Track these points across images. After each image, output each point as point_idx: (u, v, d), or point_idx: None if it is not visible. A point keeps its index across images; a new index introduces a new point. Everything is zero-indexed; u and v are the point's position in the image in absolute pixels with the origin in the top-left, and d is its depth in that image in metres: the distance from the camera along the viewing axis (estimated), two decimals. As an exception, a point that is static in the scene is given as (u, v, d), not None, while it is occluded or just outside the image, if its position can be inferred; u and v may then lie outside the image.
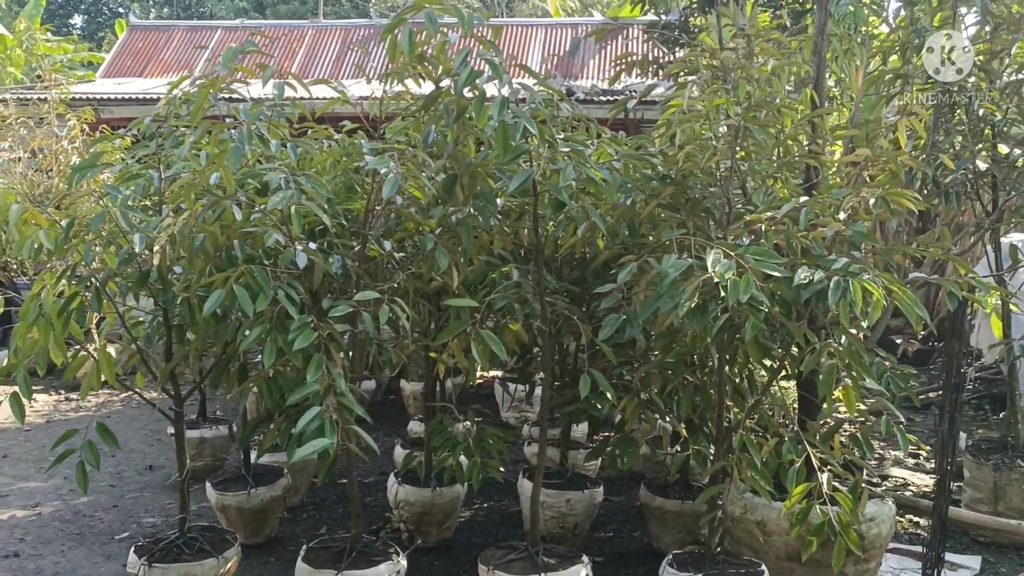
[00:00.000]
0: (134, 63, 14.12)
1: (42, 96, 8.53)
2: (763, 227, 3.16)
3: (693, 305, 2.78)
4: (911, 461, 6.04)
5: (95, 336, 7.11)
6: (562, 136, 3.45)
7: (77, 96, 9.47)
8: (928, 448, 3.72)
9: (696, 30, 8.44)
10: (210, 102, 3.29)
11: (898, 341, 8.99)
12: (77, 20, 30.02)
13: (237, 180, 3.18)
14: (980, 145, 4.34)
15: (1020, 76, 4.31)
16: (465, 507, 4.74)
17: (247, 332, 3.02)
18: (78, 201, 4.44)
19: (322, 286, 3.32)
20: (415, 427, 5.72)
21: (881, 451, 6.13)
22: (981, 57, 4.12)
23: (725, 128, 3.52)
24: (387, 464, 5.37)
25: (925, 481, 5.59)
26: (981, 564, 4.30)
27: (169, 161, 3.44)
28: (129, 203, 3.34)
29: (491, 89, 3.12)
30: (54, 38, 15.87)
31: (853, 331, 3.40)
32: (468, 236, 3.27)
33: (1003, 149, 4.63)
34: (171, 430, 5.38)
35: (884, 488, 4.97)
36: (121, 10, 27.34)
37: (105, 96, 10.31)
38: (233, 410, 6.63)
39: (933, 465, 5.88)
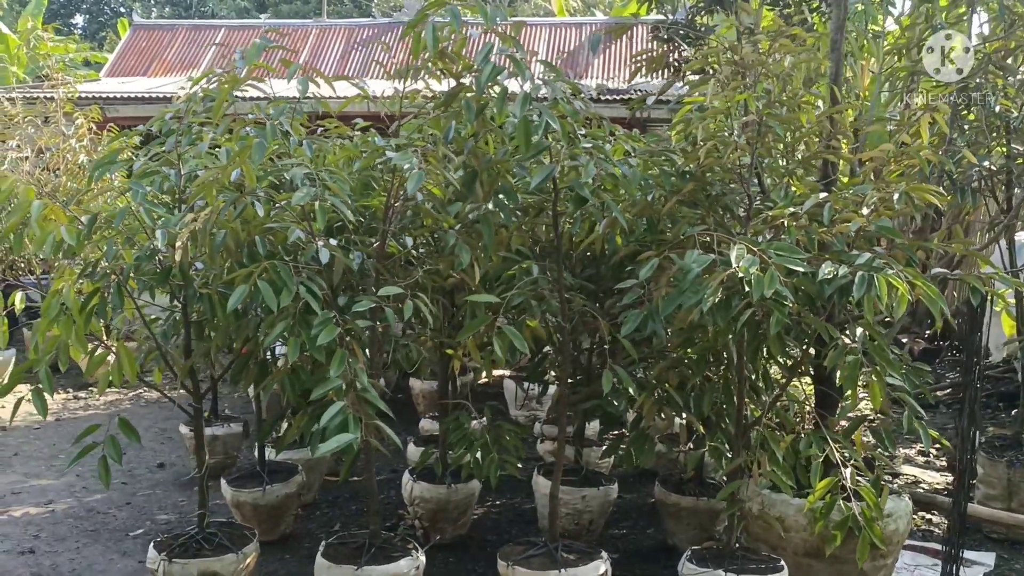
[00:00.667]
0: (138, 62, 14.11)
1: (49, 95, 8.52)
2: (785, 223, 3.17)
3: (717, 300, 2.78)
4: (921, 459, 6.04)
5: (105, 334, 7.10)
6: (583, 132, 3.45)
7: (83, 95, 9.47)
8: (948, 443, 3.73)
9: (703, 29, 8.44)
10: (230, 99, 3.29)
11: (904, 340, 8.99)
12: (79, 20, 30.01)
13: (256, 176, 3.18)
14: (995, 142, 4.34)
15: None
16: (478, 504, 4.74)
17: (269, 328, 3.02)
18: (92, 198, 4.47)
19: (339, 282, 3.32)
20: (427, 425, 5.72)
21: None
22: (997, 53, 4.12)
23: (741, 125, 3.51)
24: (398, 462, 5.36)
25: (936, 479, 5.60)
26: (996, 560, 4.31)
27: (185, 158, 3.44)
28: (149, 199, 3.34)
29: (510, 85, 3.12)
30: (57, 38, 15.84)
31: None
32: (490, 232, 3.27)
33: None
34: (183, 428, 5.43)
35: (897, 485, 4.97)
36: (123, 10, 27.32)
37: (112, 95, 10.32)
38: (242, 408, 6.63)
39: (944, 463, 5.88)
